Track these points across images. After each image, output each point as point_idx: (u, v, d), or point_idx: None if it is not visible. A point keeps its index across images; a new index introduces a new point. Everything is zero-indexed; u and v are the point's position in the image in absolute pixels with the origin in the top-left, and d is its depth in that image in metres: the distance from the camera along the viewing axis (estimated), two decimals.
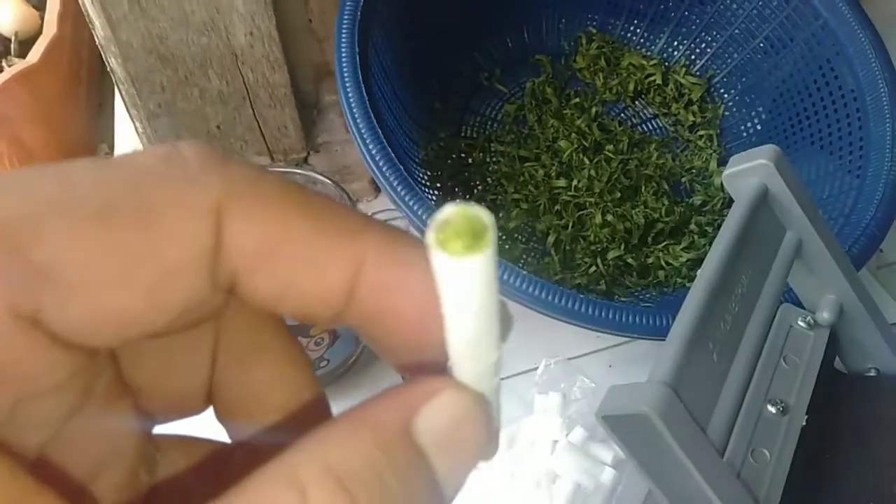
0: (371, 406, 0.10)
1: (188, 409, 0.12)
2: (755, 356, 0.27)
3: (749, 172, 0.29)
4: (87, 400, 0.10)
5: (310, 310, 0.10)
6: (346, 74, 0.37)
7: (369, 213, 0.39)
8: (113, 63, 0.39)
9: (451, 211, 0.08)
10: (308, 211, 0.10)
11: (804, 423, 0.27)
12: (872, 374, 0.33)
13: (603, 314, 0.33)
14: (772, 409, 0.28)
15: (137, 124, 0.42)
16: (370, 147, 0.35)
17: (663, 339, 0.34)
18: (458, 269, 0.09)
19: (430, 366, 0.11)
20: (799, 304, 0.32)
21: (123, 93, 0.40)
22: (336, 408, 0.40)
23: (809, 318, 0.31)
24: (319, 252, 0.10)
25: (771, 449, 0.26)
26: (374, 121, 0.36)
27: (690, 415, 0.22)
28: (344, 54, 0.38)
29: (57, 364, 0.09)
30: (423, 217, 0.34)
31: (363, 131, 0.36)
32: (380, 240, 0.10)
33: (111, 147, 0.91)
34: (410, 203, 0.34)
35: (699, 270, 0.26)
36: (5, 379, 0.08)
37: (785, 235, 0.30)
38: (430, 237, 0.08)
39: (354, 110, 0.36)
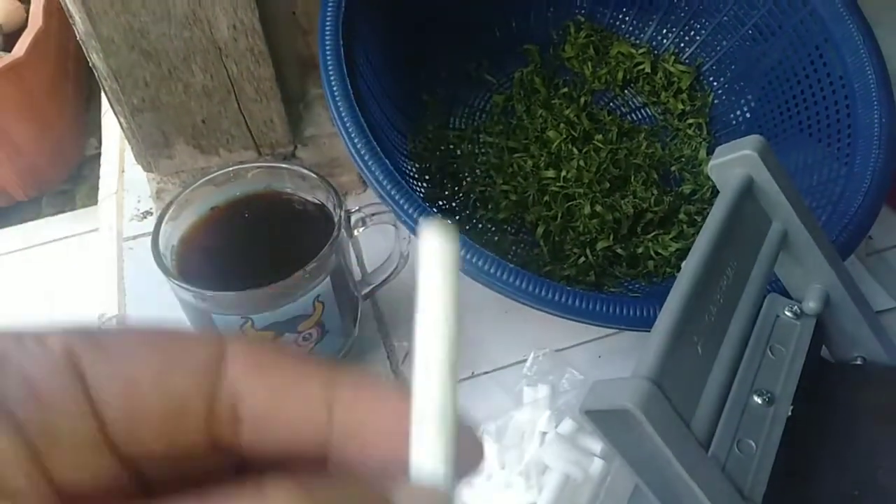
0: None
1: None
2: (741, 347, 0.27)
3: (734, 163, 0.29)
4: None
5: (297, 427, 0.12)
6: (330, 68, 0.37)
7: (358, 207, 0.38)
8: (95, 58, 0.38)
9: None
10: (293, 356, 0.12)
11: (790, 413, 0.28)
12: (859, 362, 0.33)
13: (590, 306, 0.33)
14: (757, 400, 0.28)
15: (122, 119, 0.41)
16: (355, 141, 0.35)
17: (650, 330, 0.34)
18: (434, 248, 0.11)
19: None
20: (786, 294, 0.32)
21: (107, 88, 0.40)
22: None
23: (796, 307, 0.31)
24: (300, 376, 0.12)
25: (756, 439, 0.27)
26: (360, 114, 0.36)
27: (674, 409, 0.22)
28: (328, 47, 0.37)
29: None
30: (409, 211, 0.34)
31: (348, 125, 0.35)
32: (351, 373, 0.12)
33: (100, 142, 0.90)
34: (396, 197, 0.34)
35: (683, 263, 0.26)
36: None
37: (770, 226, 0.30)
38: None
39: (339, 104, 0.36)
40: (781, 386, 0.28)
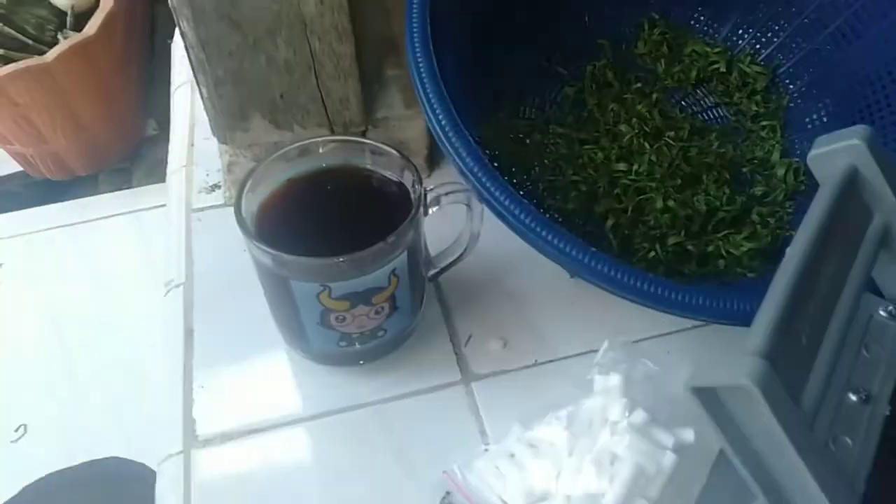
0: None
1: None
2: (840, 342, 0.27)
3: (839, 153, 0.28)
4: None
5: None
6: (417, 46, 0.37)
7: (432, 186, 0.38)
8: (184, 26, 0.39)
9: None
10: None
11: (888, 413, 0.27)
12: None
13: (673, 295, 0.32)
14: (853, 398, 0.27)
15: (203, 90, 0.42)
16: (440, 118, 0.35)
17: (731, 324, 0.33)
18: None
19: None
20: (878, 293, 0.31)
21: (192, 58, 0.40)
22: (389, 378, 0.40)
23: (891, 308, 0.30)
24: None
25: (854, 437, 0.26)
26: (445, 92, 0.36)
27: (786, 390, 0.21)
28: (415, 27, 0.37)
29: None
30: (489, 187, 0.34)
31: (433, 102, 0.35)
32: None
33: (159, 123, 0.91)
34: (477, 173, 0.34)
35: (788, 249, 0.26)
36: None
37: (872, 220, 0.29)
38: None
39: (425, 81, 0.36)
40: (878, 385, 0.28)
